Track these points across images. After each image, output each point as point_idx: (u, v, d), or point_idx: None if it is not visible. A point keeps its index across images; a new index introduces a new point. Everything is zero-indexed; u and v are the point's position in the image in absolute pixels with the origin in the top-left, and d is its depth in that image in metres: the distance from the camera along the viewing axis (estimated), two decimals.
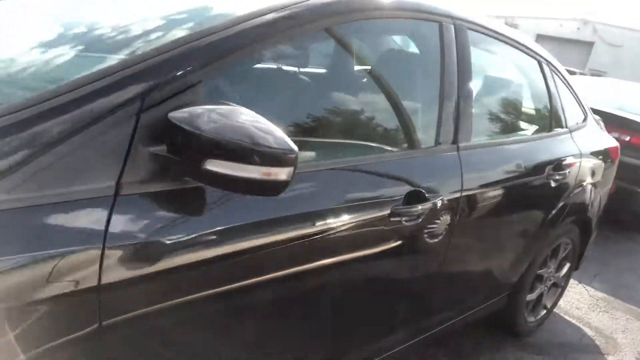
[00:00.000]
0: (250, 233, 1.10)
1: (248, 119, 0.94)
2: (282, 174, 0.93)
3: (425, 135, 1.61)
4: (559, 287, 2.68)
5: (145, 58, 1.01)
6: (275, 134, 0.93)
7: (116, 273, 0.91)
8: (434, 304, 1.84)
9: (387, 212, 1.38)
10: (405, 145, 1.57)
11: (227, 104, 0.98)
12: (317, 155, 1.37)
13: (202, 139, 0.89)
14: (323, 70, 1.61)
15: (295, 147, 0.94)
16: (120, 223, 0.92)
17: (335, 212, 1.28)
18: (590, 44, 25.84)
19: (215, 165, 0.90)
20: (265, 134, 0.92)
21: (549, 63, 2.29)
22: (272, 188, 0.94)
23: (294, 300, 1.29)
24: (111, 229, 0.90)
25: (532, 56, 2.19)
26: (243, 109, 0.96)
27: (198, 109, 0.95)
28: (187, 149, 0.92)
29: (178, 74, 1.00)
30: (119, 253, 0.91)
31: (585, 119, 2.59)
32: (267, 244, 1.14)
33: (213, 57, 1.07)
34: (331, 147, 1.41)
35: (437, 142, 1.60)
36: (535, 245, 2.18)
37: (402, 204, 1.41)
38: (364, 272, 1.45)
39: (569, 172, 2.16)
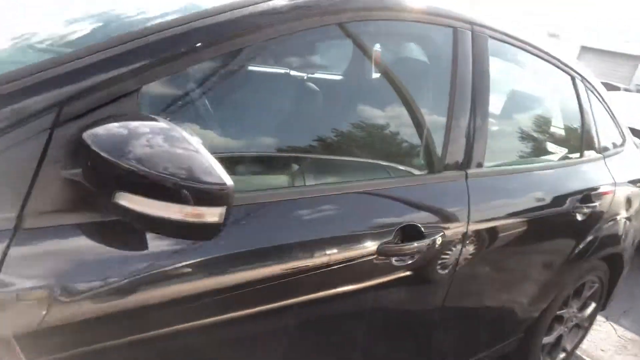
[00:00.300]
0: (191, 275, 0.91)
1: (191, 146, 0.75)
2: (211, 215, 0.73)
3: (427, 158, 1.39)
4: (582, 328, 2.41)
5: (71, 58, 0.83)
6: (213, 164, 0.74)
7: (8, 327, 0.74)
8: (433, 352, 1.61)
9: (373, 249, 1.17)
10: (402, 169, 1.36)
11: (159, 121, 0.79)
12: (290, 179, 1.18)
13: (113, 167, 0.71)
14: (312, 75, 1.41)
15: (230, 182, 0.74)
16: (18, 264, 0.74)
17: (310, 247, 1.09)
18: (638, 58, 24.66)
19: (126, 200, 0.72)
20: (207, 166, 0.73)
21: (583, 79, 2.02)
22: (200, 231, 0.75)
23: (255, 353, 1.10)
24: (4, 272, 0.73)
25: (564, 70, 1.93)
26: (180, 131, 0.77)
27: (127, 126, 0.76)
28: (96, 176, 0.74)
29: (107, 79, 0.82)
30: (13, 302, 0.74)
31: (623, 143, 2.31)
32: (215, 289, 0.95)
33: (161, 59, 0.89)
34: (310, 170, 1.22)
35: (442, 167, 1.38)
36: (555, 285, 1.92)
37: (393, 241, 1.20)
38: (345, 320, 1.24)
39: (599, 204, 1.90)
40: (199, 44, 0.94)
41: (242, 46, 1.02)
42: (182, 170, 0.71)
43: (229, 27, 0.99)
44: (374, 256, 1.17)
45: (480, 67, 1.46)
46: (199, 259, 0.91)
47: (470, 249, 1.41)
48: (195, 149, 0.74)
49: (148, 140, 0.74)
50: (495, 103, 1.93)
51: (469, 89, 1.42)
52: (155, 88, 0.89)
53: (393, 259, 1.21)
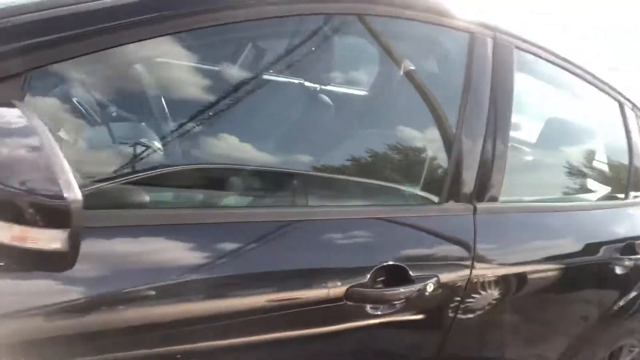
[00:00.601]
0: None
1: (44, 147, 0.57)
2: (50, 240, 0.54)
3: (426, 185, 1.16)
4: None
5: None
6: (59, 170, 0.55)
7: None
8: None
9: (341, 292, 0.95)
10: (391, 197, 1.14)
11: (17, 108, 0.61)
12: (250, 199, 0.99)
13: None
14: (289, 79, 1.20)
15: (75, 195, 0.55)
16: None
17: (263, 282, 0.89)
18: None
19: None
20: (52, 171, 0.54)
21: (634, 107, 1.73)
22: (40, 260, 0.56)
23: None
24: None
25: (611, 95, 1.65)
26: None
27: None
28: None
29: None
30: None
31: None
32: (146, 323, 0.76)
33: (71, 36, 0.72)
34: (276, 190, 1.02)
35: (444, 198, 1.14)
36: (583, 347, 1.61)
37: (369, 284, 0.97)
38: None
39: None
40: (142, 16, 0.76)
41: (221, 22, 0.84)
42: (28, 178, 0.53)
43: None
44: (342, 302, 0.95)
45: (502, 82, 1.22)
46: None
47: (473, 298, 1.16)
48: (48, 148, 0.55)
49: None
50: (521, 126, 1.67)
51: (485, 107, 1.18)
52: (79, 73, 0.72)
53: (367, 306, 0.99)
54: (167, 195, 0.99)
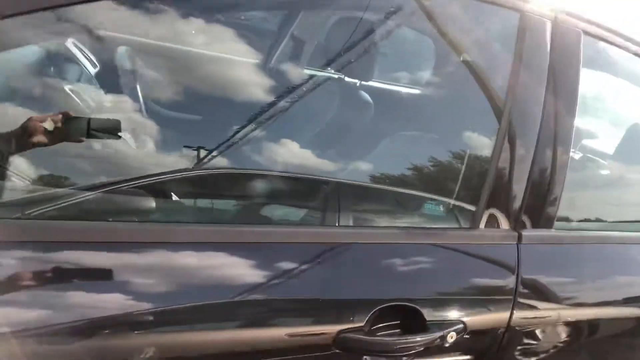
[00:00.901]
0: None
1: None
2: None
3: (453, 205, 0.93)
4: None
5: None
6: None
7: None
8: None
9: (329, 337, 0.75)
10: (409, 219, 0.92)
11: None
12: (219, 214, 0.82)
13: None
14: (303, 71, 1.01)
15: None
16: None
17: (234, 318, 0.72)
18: None
19: None
20: None
21: None
22: None
23: None
24: None
25: None
26: None
27: None
28: None
29: None
30: None
31: None
32: None
33: None
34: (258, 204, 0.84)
35: (478, 222, 0.91)
36: None
37: (366, 328, 0.77)
38: None
39: None
40: None
41: None
42: None
43: None
44: (331, 348, 0.75)
45: (563, 76, 0.97)
46: None
47: (512, 352, 0.91)
48: None
49: None
50: (604, 137, 1.39)
51: (538, 107, 0.93)
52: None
53: (364, 358, 0.78)
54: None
